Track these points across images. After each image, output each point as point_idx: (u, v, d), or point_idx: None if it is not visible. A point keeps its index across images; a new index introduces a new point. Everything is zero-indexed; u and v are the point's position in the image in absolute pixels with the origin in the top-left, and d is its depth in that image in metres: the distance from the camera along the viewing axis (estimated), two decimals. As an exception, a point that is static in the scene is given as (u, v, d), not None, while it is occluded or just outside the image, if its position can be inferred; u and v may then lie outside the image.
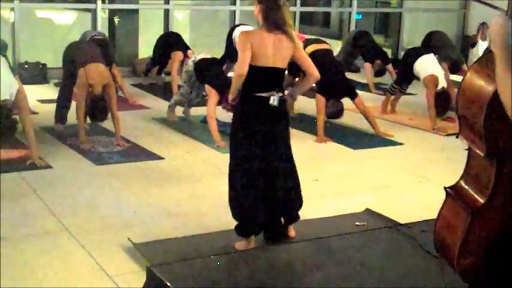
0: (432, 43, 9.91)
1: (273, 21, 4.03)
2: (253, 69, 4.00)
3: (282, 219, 4.30)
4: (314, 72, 4.26)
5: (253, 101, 4.05)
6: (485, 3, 3.54)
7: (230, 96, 4.16)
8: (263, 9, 4.04)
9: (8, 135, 5.75)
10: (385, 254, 4.19)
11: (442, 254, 3.18)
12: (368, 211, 4.87)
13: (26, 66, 9.22)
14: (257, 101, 4.03)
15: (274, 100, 4.02)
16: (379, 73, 10.09)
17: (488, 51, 2.69)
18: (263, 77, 4.03)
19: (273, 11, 4.02)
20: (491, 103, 2.68)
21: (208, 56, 7.15)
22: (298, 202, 4.31)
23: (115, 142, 6.35)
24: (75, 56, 6.46)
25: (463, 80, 2.88)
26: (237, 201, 4.13)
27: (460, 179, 3.07)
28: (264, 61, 4.01)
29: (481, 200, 2.90)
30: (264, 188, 4.11)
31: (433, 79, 7.65)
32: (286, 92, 4.31)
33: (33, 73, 9.20)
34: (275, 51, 4.03)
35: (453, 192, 3.07)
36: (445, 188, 3.11)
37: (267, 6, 4.03)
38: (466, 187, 3.02)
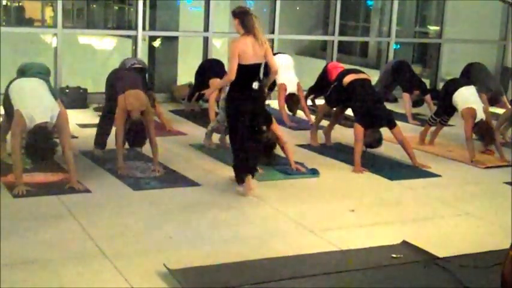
0: (471, 74, 9.84)
1: (247, 28, 5.65)
2: (241, 67, 5.62)
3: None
4: (273, 65, 5.85)
5: (241, 88, 5.72)
6: None
7: (209, 91, 6.54)
8: (240, 22, 5.67)
9: (47, 157, 5.84)
10: (422, 288, 4.13)
11: None
12: (405, 243, 4.81)
13: (67, 90, 9.36)
14: (244, 86, 5.73)
15: (255, 85, 5.81)
16: (417, 103, 10.01)
17: None
18: (248, 71, 5.67)
19: (247, 21, 5.64)
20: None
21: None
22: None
23: (152, 168, 6.40)
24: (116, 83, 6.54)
25: None
26: (236, 155, 5.87)
27: None
28: (248, 60, 5.63)
29: None
30: (250, 143, 5.82)
31: (471, 112, 7.55)
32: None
33: (74, 98, 9.31)
34: (254, 51, 5.66)
35: None
36: None
37: (242, 19, 5.66)
38: None
